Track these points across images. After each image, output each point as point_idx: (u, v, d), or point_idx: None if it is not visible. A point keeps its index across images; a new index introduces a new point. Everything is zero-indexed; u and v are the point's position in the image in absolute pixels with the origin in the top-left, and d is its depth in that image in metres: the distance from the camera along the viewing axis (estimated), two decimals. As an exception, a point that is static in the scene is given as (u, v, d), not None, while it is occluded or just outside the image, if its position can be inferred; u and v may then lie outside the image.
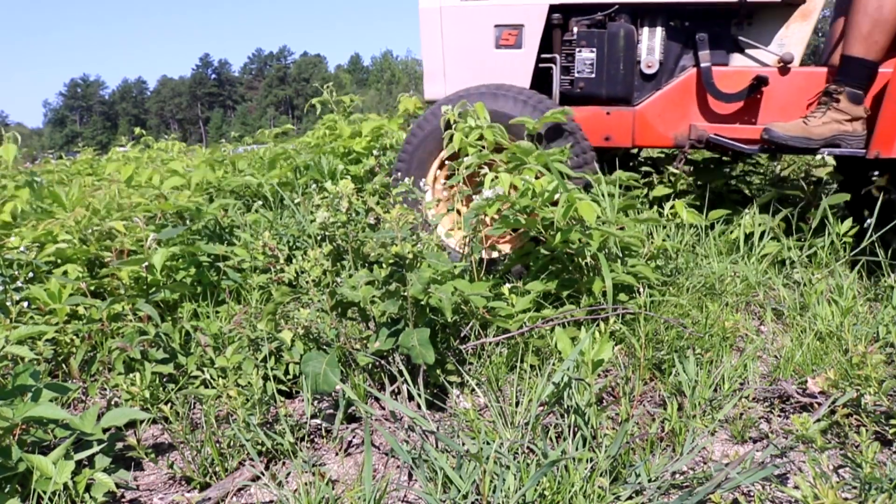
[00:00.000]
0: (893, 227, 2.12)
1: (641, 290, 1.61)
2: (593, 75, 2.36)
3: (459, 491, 1.05)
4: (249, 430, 1.30)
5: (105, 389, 1.56)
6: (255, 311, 1.96)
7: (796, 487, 1.11)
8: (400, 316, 1.46)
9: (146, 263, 1.82)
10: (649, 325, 1.68)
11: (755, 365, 1.58)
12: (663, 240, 2.02)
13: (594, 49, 2.33)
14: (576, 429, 1.19)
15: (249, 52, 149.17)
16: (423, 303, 1.44)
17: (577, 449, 1.14)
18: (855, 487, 1.06)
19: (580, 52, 2.34)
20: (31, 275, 1.90)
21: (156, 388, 1.53)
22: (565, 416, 1.23)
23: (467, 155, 2.09)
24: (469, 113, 2.17)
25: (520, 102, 2.22)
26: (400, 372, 1.42)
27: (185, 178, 3.23)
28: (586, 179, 2.13)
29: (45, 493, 1.08)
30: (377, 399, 1.51)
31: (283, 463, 1.32)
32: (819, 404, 1.37)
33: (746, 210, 2.40)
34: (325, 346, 1.56)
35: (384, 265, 1.44)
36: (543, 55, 2.42)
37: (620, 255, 1.88)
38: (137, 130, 5.24)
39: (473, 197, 1.88)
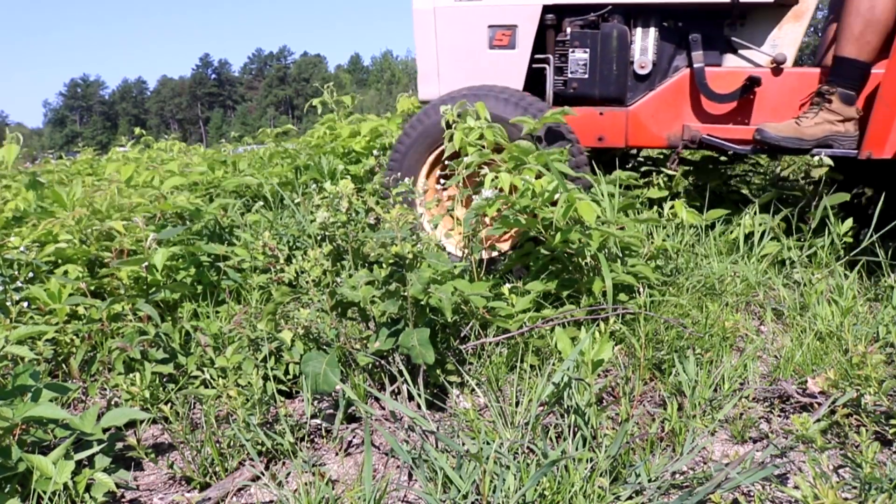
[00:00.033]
0: (891, 229, 2.12)
1: (641, 290, 1.61)
2: (586, 76, 2.35)
3: (459, 491, 1.05)
4: (249, 430, 1.30)
5: (105, 389, 1.56)
6: (255, 311, 1.96)
7: (796, 487, 1.11)
8: (400, 316, 1.46)
9: (146, 263, 1.82)
10: (649, 325, 1.68)
11: (755, 365, 1.58)
12: (663, 240, 2.02)
13: (587, 49, 2.33)
14: (576, 429, 1.19)
15: (249, 52, 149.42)
16: (423, 303, 1.44)
17: (577, 449, 1.14)
18: (855, 487, 1.06)
19: (573, 52, 2.34)
20: (31, 275, 1.90)
21: (156, 388, 1.53)
22: (565, 416, 1.23)
23: (461, 156, 2.08)
24: (469, 113, 2.16)
25: (510, 104, 2.22)
26: (400, 372, 1.42)
27: (185, 177, 3.23)
28: (587, 180, 2.13)
29: (45, 493, 1.08)
30: (377, 399, 1.51)
31: (283, 463, 1.32)
32: (819, 404, 1.37)
33: (746, 210, 2.40)
34: (325, 346, 1.56)
35: (384, 265, 1.44)
36: (537, 56, 2.42)
37: (620, 255, 1.88)
38: (137, 130, 5.24)
39: (473, 197, 1.88)
